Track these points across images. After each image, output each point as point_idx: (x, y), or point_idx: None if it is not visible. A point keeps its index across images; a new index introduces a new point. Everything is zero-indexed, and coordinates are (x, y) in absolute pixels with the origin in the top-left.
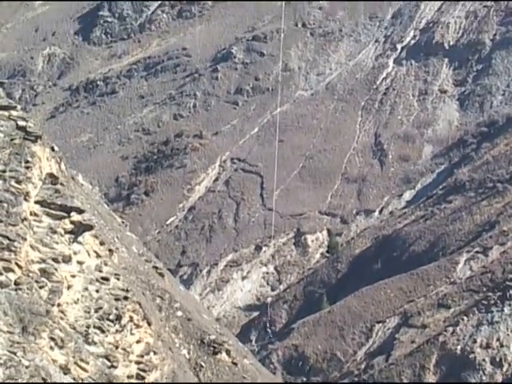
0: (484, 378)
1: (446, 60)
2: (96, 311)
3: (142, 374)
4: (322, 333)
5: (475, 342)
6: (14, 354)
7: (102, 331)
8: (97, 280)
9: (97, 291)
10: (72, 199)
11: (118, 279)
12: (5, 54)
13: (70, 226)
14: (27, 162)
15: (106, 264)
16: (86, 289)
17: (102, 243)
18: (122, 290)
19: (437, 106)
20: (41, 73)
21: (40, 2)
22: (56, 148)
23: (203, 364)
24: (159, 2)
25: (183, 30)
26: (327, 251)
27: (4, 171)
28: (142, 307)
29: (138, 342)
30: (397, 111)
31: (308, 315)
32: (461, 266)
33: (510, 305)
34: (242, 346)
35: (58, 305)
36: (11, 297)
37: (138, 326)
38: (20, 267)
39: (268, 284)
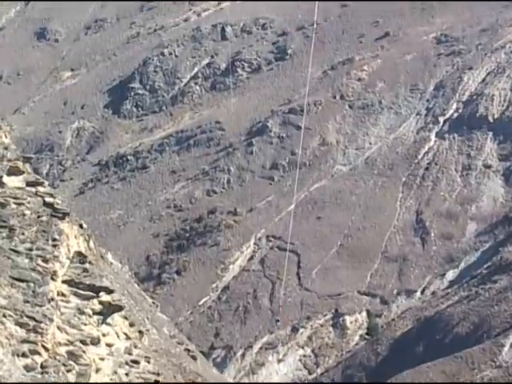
0: None
1: (491, 134)
2: None
3: None
4: None
5: None
6: None
7: None
8: (126, 363)
9: (126, 375)
10: (101, 279)
11: (148, 362)
12: (32, 128)
13: (98, 307)
14: (54, 239)
15: (135, 346)
16: (115, 372)
17: (131, 324)
18: (153, 373)
19: (481, 182)
20: (69, 147)
21: (69, 73)
22: (84, 225)
23: None
24: (192, 74)
25: (217, 103)
26: (367, 333)
27: (31, 249)
28: None
29: None
30: (439, 187)
31: None
32: (507, 348)
33: None
34: None
35: None
36: (37, 381)
37: None
38: (47, 349)
39: (305, 367)
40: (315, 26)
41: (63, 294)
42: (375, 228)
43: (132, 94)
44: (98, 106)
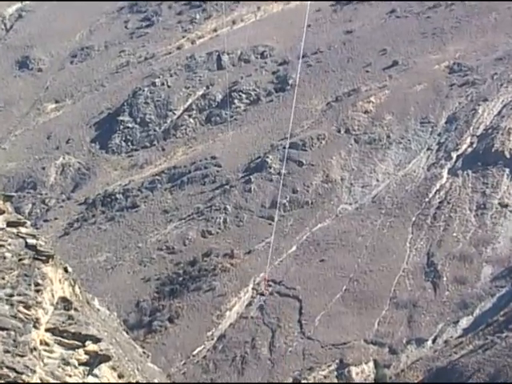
0: None
1: (507, 170)
2: None
3: None
4: None
5: None
6: None
7: None
8: None
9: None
10: (87, 326)
11: None
12: (13, 164)
13: (84, 357)
14: (37, 284)
15: None
16: None
17: (120, 376)
18: None
19: (497, 222)
20: (53, 185)
21: (53, 105)
22: (70, 269)
23: None
24: (186, 106)
25: (212, 137)
26: None
27: (11, 295)
28: None
29: None
30: (452, 227)
31: None
32: None
33: None
34: None
35: None
36: None
37: None
38: None
39: None
40: (302, 47)
41: (46, 343)
42: (383, 271)
43: (121, 127)
44: (84, 141)
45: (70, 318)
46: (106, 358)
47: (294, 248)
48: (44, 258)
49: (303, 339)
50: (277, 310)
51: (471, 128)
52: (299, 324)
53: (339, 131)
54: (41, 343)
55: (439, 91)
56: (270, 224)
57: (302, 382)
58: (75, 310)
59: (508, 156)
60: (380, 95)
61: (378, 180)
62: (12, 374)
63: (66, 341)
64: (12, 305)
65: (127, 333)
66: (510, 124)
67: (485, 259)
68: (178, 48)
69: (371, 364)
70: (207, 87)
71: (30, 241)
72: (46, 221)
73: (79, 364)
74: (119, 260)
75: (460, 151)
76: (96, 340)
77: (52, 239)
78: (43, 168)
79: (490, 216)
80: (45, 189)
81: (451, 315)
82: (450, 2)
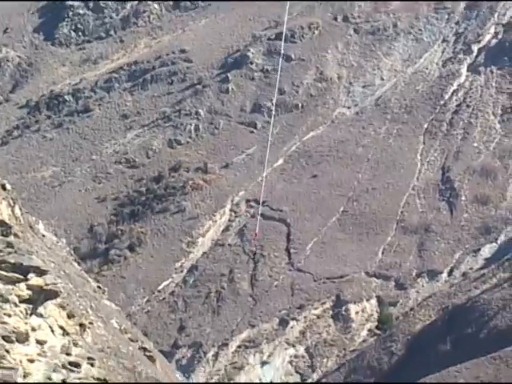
0: None
1: None
2: None
3: None
4: None
5: None
6: None
7: None
8: (63, 366)
9: (64, 381)
10: (30, 256)
11: (92, 365)
12: None
13: (26, 293)
14: None
15: (75, 344)
16: (49, 378)
17: (70, 316)
18: (98, 379)
19: None
20: None
21: None
22: (8, 186)
23: None
24: None
25: (181, 26)
26: (377, 327)
27: None
28: None
29: None
30: (472, 136)
31: None
32: None
33: None
34: None
35: None
36: None
37: None
38: None
39: (297, 371)
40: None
41: None
42: (389, 189)
43: (70, 13)
44: (25, 30)
45: (9, 245)
46: (52, 294)
47: (280, 161)
48: None
49: (292, 271)
50: (259, 237)
51: (496, 15)
52: (287, 253)
53: (335, 19)
54: None
55: None
56: (251, 132)
57: (290, 322)
58: (15, 235)
59: None
60: None
61: (382, 78)
62: None
63: (4, 273)
64: None
65: (79, 264)
66: None
67: (511, 174)
68: None
69: (374, 301)
70: None
71: None
72: None
73: (20, 301)
74: (68, 175)
75: (482, 43)
76: (41, 272)
77: None
78: None
79: None
80: None
81: (471, 242)
82: None
